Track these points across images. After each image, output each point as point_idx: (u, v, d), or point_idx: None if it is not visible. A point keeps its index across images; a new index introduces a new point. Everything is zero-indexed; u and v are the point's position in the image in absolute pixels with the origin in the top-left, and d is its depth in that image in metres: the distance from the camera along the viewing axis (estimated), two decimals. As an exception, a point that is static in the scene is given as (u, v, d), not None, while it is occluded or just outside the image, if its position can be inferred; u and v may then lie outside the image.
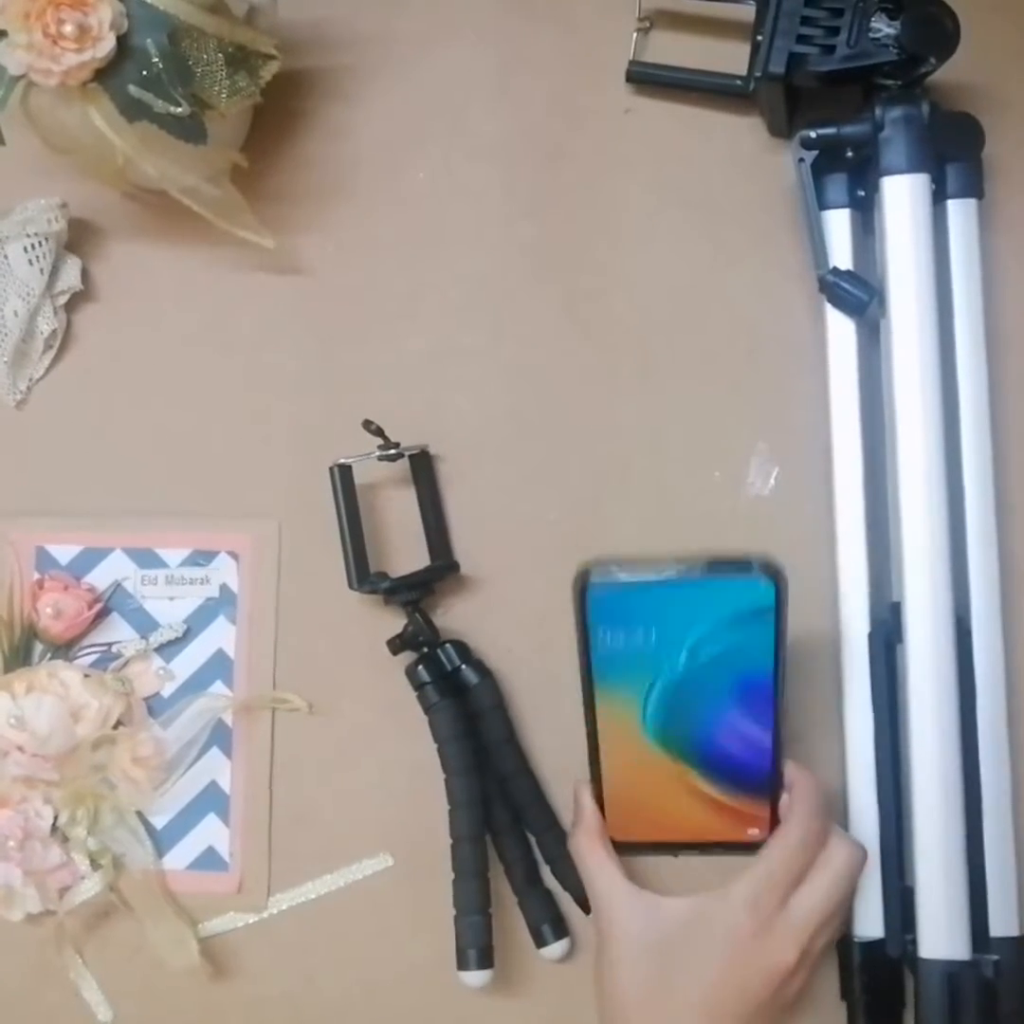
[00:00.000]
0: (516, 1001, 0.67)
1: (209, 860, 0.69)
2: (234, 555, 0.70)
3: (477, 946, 0.64)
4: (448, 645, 0.67)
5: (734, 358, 0.70)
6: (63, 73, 0.61)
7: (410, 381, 0.71)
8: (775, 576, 0.50)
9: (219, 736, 0.69)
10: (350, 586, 0.67)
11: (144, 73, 0.62)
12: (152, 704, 0.70)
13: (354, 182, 0.73)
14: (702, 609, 0.51)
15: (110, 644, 0.70)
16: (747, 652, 0.52)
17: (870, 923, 0.63)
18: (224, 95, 0.64)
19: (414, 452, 0.69)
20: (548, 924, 0.66)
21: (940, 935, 0.60)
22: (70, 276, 0.72)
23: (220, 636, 0.70)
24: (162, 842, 0.69)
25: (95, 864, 0.68)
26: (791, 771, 0.59)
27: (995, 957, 0.61)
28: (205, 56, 0.63)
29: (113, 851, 0.68)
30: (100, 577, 0.71)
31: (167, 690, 0.70)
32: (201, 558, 0.71)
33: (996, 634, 0.64)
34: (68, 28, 0.60)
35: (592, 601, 0.51)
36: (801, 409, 0.68)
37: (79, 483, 0.72)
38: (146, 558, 0.71)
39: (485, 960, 0.64)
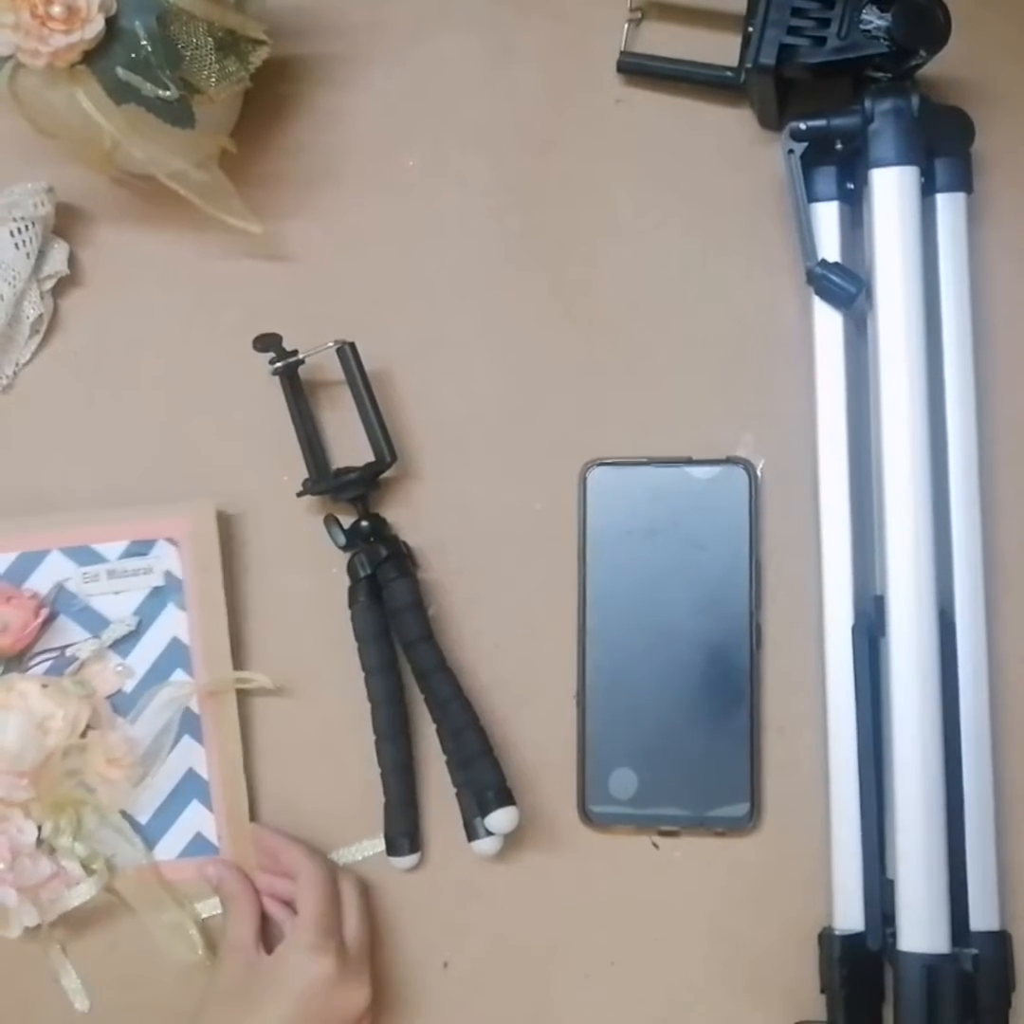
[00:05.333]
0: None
1: (199, 846, 0.68)
2: (173, 541, 0.69)
3: (406, 833, 0.66)
4: (379, 544, 0.67)
5: (721, 349, 0.70)
6: (51, 54, 0.61)
7: (396, 369, 0.71)
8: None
9: (188, 723, 0.68)
10: (306, 490, 0.68)
11: (132, 56, 0.62)
12: (115, 702, 0.69)
13: (343, 169, 0.73)
14: None
15: (62, 648, 0.68)
16: None
17: (850, 916, 0.63)
18: (213, 80, 0.64)
19: (338, 347, 0.68)
20: (479, 818, 0.65)
21: (920, 928, 0.60)
22: (57, 261, 0.72)
23: (172, 624, 0.69)
24: (150, 835, 0.68)
25: (88, 870, 0.67)
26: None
27: (974, 951, 0.61)
28: (194, 40, 0.63)
29: (103, 854, 0.67)
30: (40, 581, 0.69)
31: (128, 686, 0.69)
32: (140, 548, 0.69)
33: (979, 628, 0.64)
34: (56, 9, 0.60)
35: None
36: (787, 401, 0.68)
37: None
38: (84, 555, 0.69)
39: (413, 846, 0.67)
